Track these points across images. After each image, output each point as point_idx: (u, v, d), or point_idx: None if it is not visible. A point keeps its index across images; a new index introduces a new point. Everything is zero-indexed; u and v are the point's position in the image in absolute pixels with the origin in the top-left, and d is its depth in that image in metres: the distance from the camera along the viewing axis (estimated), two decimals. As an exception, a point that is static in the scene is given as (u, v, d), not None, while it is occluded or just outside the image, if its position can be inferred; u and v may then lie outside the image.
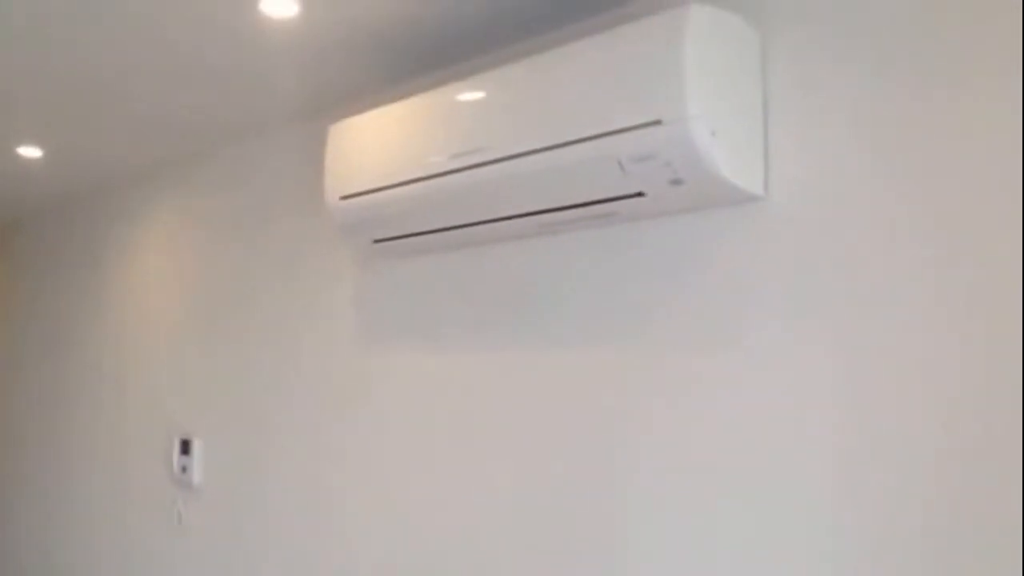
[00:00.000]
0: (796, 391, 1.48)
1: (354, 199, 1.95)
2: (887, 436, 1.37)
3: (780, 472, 1.48)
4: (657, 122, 1.41)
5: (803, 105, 1.52)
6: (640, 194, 1.55)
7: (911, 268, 1.37)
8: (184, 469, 2.84)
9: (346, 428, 2.32)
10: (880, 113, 1.43)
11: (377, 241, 2.05)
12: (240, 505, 2.64)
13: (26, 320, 4.03)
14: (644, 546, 1.65)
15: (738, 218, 1.58)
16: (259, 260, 2.69)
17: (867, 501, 1.38)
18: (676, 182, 1.48)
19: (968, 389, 1.30)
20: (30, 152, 2.93)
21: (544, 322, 1.87)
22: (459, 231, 1.88)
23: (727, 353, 1.57)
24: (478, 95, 1.72)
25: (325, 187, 2.03)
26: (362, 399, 2.28)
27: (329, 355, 2.40)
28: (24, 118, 2.61)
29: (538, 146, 1.57)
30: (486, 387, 1.98)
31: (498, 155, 1.64)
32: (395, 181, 1.84)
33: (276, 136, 2.67)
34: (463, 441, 2.01)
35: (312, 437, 2.42)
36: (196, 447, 2.82)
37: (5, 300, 4.28)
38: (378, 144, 1.90)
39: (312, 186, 2.47)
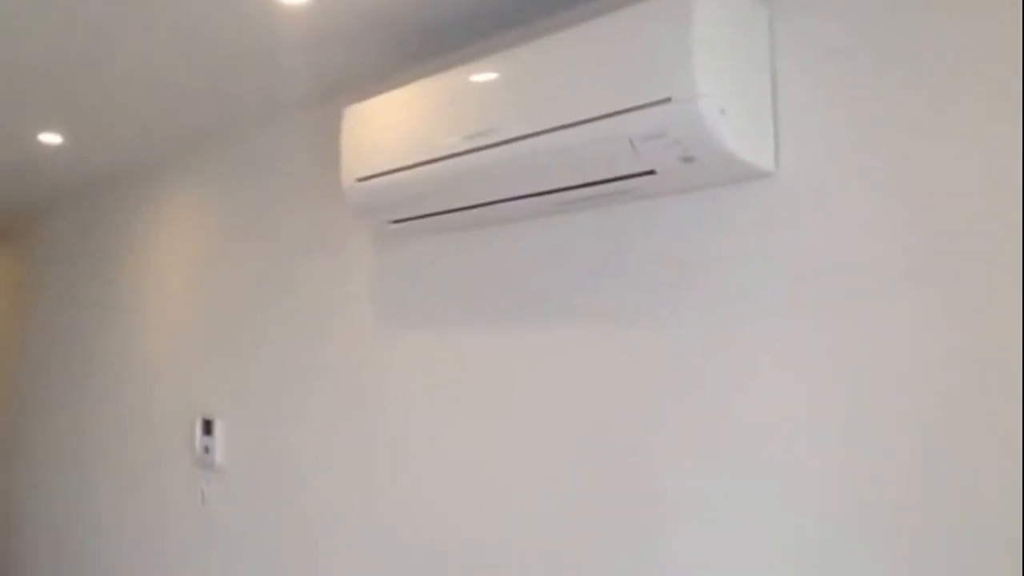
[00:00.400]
0: (806, 365, 1.49)
1: (370, 180, 1.98)
2: (897, 410, 1.39)
3: (791, 456, 1.50)
4: (667, 100, 1.43)
5: (812, 82, 1.53)
6: (651, 172, 1.56)
7: (919, 241, 1.38)
8: (207, 449, 2.89)
9: (365, 407, 2.35)
10: (890, 90, 1.44)
11: (394, 222, 2.07)
12: (262, 484, 2.68)
13: (49, 304, 4.09)
14: (653, 535, 1.68)
15: (750, 194, 1.60)
16: (278, 242, 2.72)
17: (873, 490, 1.40)
18: (687, 159, 1.50)
19: (978, 364, 1.32)
20: (51, 138, 2.97)
21: (557, 300, 1.90)
22: (474, 211, 1.90)
23: (739, 329, 1.59)
24: (490, 76, 1.73)
25: (341, 169, 2.05)
26: (382, 379, 2.32)
27: (348, 335, 2.43)
28: (44, 104, 2.64)
29: (550, 126, 1.59)
30: (499, 364, 2.00)
31: (510, 135, 1.66)
32: (410, 162, 1.87)
33: (292, 120, 2.69)
34: (477, 418, 2.04)
35: (331, 416, 2.45)
36: (218, 428, 2.87)
37: (28, 285, 4.35)
38: (393, 126, 1.93)
39: (329, 168, 2.50)
